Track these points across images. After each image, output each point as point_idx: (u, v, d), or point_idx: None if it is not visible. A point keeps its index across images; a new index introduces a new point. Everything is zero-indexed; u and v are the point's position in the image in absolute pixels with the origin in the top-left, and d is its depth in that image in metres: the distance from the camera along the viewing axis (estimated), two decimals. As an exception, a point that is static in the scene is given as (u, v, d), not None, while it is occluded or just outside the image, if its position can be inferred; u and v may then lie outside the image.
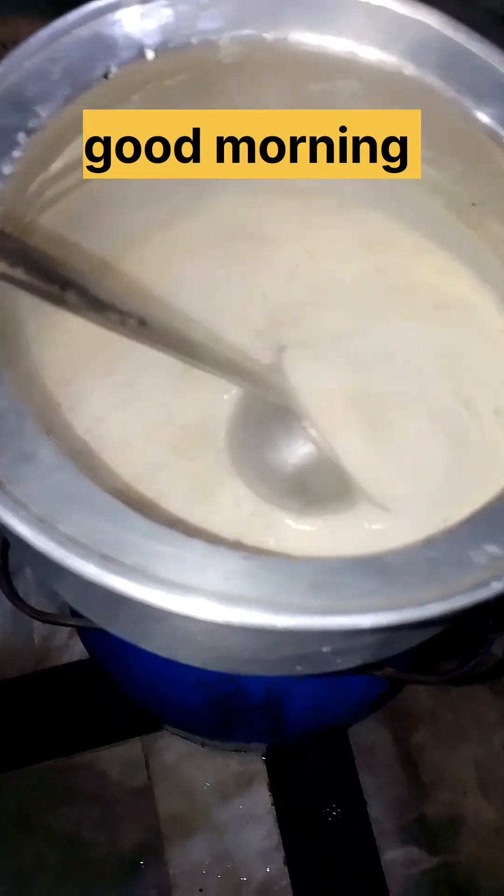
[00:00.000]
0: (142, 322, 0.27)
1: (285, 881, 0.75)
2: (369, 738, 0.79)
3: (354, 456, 0.34)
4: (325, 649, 0.27)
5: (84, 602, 0.28)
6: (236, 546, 0.23)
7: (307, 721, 0.56)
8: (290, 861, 0.75)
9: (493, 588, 0.22)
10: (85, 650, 0.77)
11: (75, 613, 0.39)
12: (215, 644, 0.25)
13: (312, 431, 0.33)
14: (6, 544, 0.36)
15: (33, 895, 0.74)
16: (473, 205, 0.38)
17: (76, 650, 0.80)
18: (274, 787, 0.77)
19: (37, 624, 0.82)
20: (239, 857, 0.75)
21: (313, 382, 0.35)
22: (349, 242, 0.41)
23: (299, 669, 0.29)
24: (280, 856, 0.75)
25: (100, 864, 0.75)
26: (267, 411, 0.34)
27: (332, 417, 0.35)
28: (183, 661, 0.28)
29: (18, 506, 0.21)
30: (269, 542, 0.32)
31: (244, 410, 0.35)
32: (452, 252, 0.41)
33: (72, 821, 0.76)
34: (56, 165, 0.33)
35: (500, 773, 0.80)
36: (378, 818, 0.77)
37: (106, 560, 0.21)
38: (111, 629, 0.29)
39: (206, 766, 0.77)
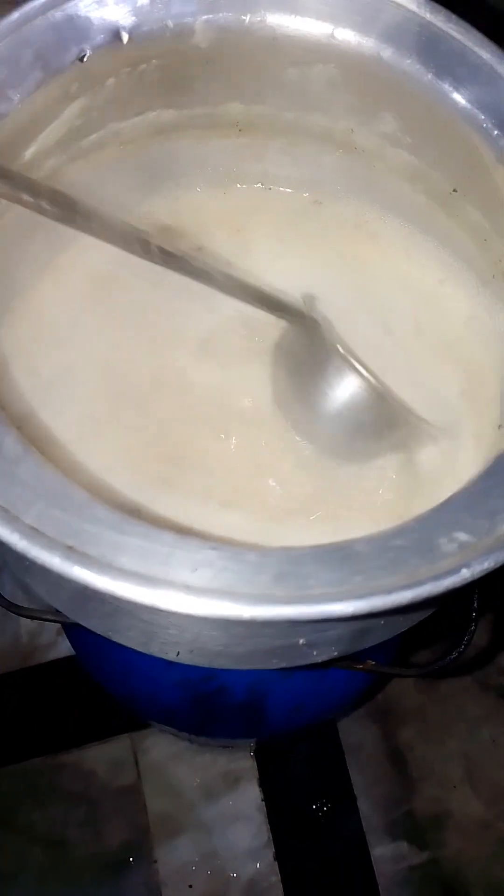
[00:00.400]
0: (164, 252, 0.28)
1: (275, 877, 0.74)
2: (358, 734, 0.79)
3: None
4: (300, 641, 0.26)
5: (54, 595, 0.27)
6: (203, 536, 0.22)
7: (291, 718, 0.56)
8: (279, 857, 0.74)
9: (463, 576, 0.22)
10: (72, 647, 0.76)
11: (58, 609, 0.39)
12: (186, 637, 0.25)
13: (353, 361, 0.33)
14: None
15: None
16: (454, 191, 0.38)
17: (63, 647, 0.79)
18: (263, 784, 0.76)
19: (24, 621, 0.81)
20: (228, 854, 0.75)
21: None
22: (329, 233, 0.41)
23: (275, 662, 0.28)
24: (269, 852, 0.75)
25: (87, 863, 0.74)
26: (302, 357, 0.34)
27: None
28: (156, 654, 0.28)
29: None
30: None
31: (283, 360, 0.35)
32: (433, 238, 0.40)
33: (58, 820, 0.75)
34: (30, 151, 0.32)
35: (488, 767, 0.80)
36: (367, 814, 0.77)
37: (71, 552, 0.21)
38: (83, 622, 0.28)
39: (194, 763, 0.76)
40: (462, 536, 0.23)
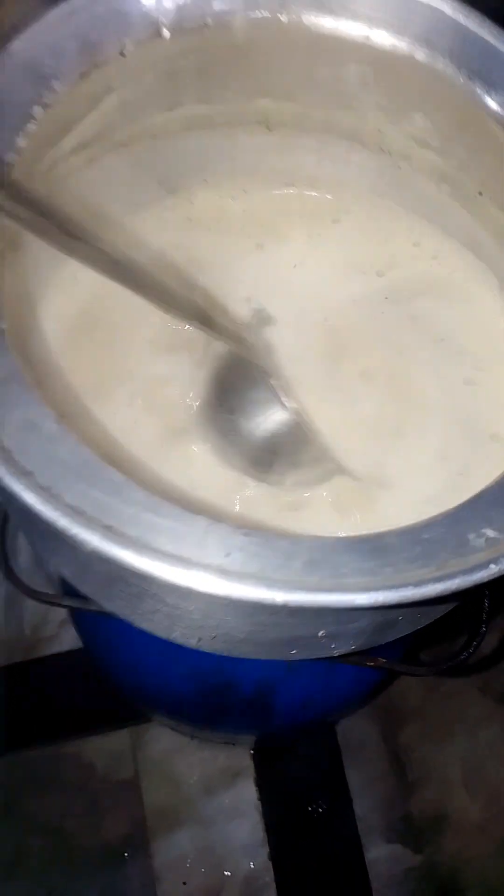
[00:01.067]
0: (116, 262, 0.28)
1: (269, 876, 0.74)
2: (357, 735, 0.79)
3: (329, 423, 0.35)
4: (320, 633, 0.26)
5: (82, 577, 0.27)
6: (237, 522, 0.23)
7: (296, 714, 0.56)
8: (274, 856, 0.74)
9: (492, 570, 0.22)
10: (75, 641, 0.77)
11: (69, 593, 0.39)
12: (209, 622, 0.25)
13: (282, 394, 0.34)
14: (5, 520, 0.35)
15: (16, 884, 0.73)
16: (480, 194, 0.38)
17: (66, 640, 0.79)
18: (260, 783, 0.76)
19: (27, 614, 0.81)
20: (224, 850, 0.75)
21: (289, 345, 0.36)
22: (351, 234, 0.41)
23: (294, 654, 0.29)
24: (265, 850, 0.75)
25: (84, 854, 0.74)
26: (240, 376, 0.35)
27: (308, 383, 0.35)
28: (177, 640, 0.28)
29: (24, 474, 0.21)
30: (235, 508, 0.33)
31: (217, 375, 0.36)
32: (456, 240, 0.41)
33: (57, 811, 0.75)
34: (68, 140, 0.33)
35: (486, 770, 0.80)
36: (363, 815, 0.77)
37: (109, 531, 0.21)
38: (108, 605, 0.29)
39: (193, 759, 0.77)
40: (490, 532, 0.23)
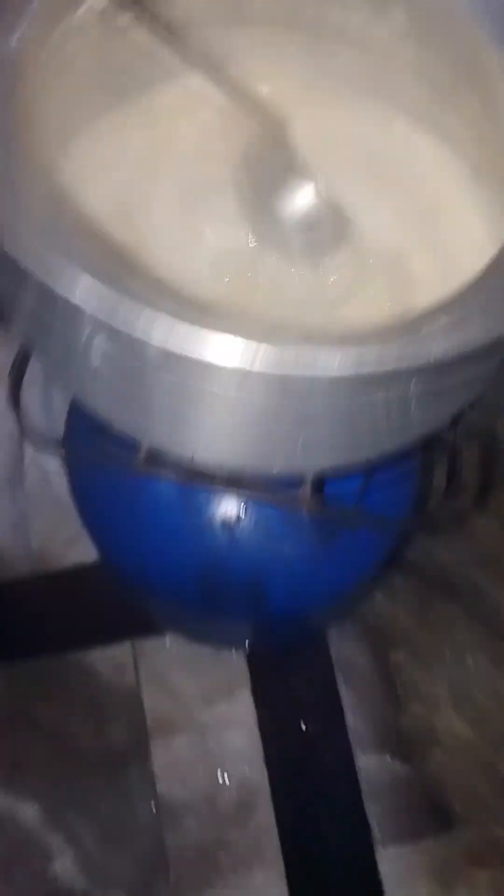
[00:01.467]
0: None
1: (263, 779, 0.78)
2: (349, 656, 0.83)
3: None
4: (298, 437, 0.30)
5: (92, 381, 0.30)
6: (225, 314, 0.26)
7: (288, 601, 0.60)
8: (269, 761, 0.78)
9: (439, 342, 0.26)
10: (81, 557, 0.81)
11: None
12: (204, 407, 0.29)
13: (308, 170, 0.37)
14: (24, 361, 0.39)
15: (22, 785, 0.77)
16: (455, 87, 0.42)
17: (73, 556, 0.83)
18: (256, 693, 0.80)
19: (35, 531, 0.85)
20: (220, 756, 0.79)
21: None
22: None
23: (273, 458, 0.32)
24: (260, 756, 0.79)
25: (87, 757, 0.78)
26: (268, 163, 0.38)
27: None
28: (176, 442, 0.32)
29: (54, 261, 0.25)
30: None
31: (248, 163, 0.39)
32: (434, 134, 0.44)
33: (60, 717, 0.79)
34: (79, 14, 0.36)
35: (473, 692, 0.84)
36: (354, 727, 0.80)
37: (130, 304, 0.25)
38: (115, 415, 0.32)
39: (192, 670, 0.80)
40: (445, 319, 0.27)
